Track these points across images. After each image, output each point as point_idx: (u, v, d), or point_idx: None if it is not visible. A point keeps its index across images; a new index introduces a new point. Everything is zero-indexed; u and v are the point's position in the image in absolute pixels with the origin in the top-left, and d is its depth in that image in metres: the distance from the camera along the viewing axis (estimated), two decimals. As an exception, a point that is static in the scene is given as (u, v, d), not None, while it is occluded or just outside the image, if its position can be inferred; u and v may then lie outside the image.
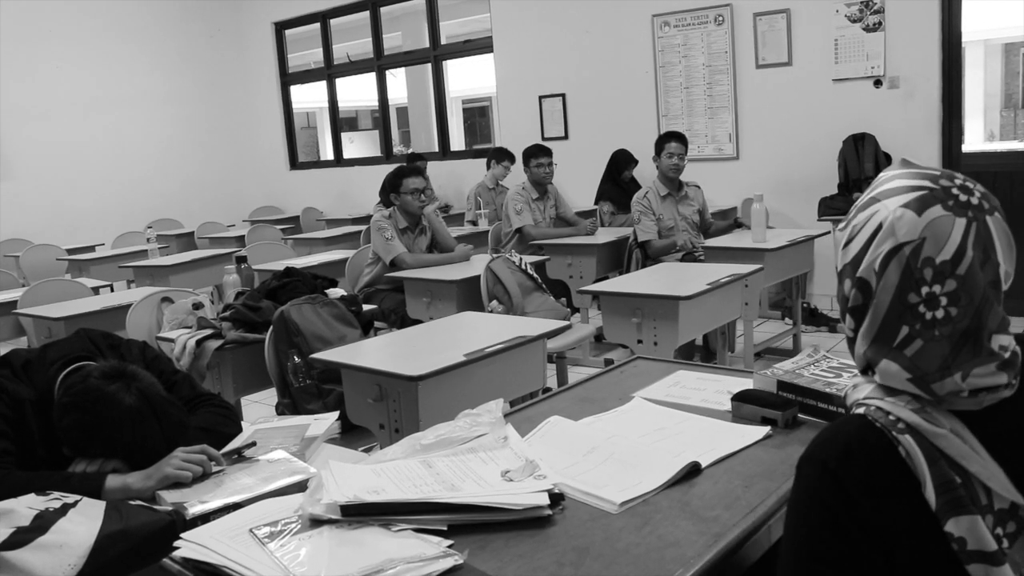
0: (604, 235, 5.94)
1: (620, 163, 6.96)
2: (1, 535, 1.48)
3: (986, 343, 1.05)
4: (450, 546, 1.34)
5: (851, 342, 1.16)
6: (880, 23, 5.99)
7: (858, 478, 1.04)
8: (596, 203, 7.02)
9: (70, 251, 7.76)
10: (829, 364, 1.91)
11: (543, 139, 7.83)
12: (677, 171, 5.44)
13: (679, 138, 5.47)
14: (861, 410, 1.11)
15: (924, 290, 1.04)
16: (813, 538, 1.06)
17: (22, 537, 1.48)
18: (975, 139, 12.36)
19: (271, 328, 3.22)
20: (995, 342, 1.06)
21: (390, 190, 5.22)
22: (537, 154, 6.09)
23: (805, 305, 6.08)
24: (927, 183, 1.08)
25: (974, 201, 1.06)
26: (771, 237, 5.14)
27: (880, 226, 1.07)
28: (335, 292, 3.64)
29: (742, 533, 1.36)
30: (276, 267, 4.64)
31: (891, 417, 1.07)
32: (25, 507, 1.56)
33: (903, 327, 1.06)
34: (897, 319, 1.07)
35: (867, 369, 1.14)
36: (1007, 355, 1.06)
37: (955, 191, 1.07)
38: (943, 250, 1.03)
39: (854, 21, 6.09)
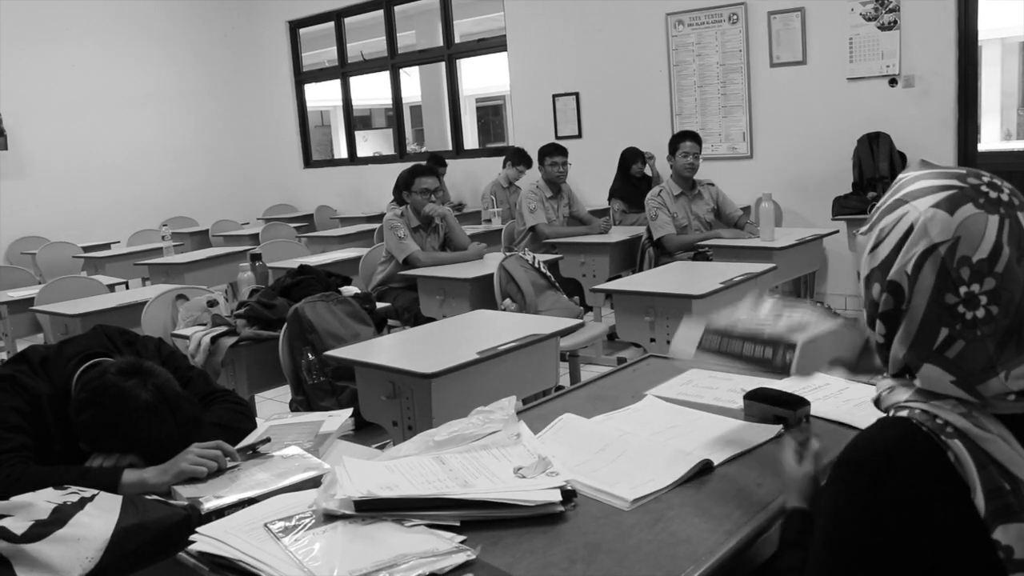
0: (617, 234, 5.93)
1: (628, 160, 6.95)
2: (20, 528, 1.50)
3: None
4: (463, 542, 1.35)
5: (882, 348, 1.13)
6: (895, 21, 5.97)
7: (904, 483, 1.02)
8: (608, 201, 7.02)
9: (86, 249, 7.82)
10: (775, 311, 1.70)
11: (556, 138, 7.82)
12: (692, 170, 5.43)
13: (693, 137, 5.45)
14: (904, 413, 1.08)
15: (963, 290, 1.02)
16: (855, 543, 1.04)
17: (41, 530, 1.50)
18: (991, 138, 12.28)
19: (285, 325, 3.24)
20: None
21: (403, 188, 5.23)
22: (552, 153, 6.10)
23: (818, 304, 6.05)
24: (955, 182, 1.06)
25: (1004, 198, 1.05)
26: (780, 236, 5.14)
27: (911, 227, 1.05)
28: (349, 290, 3.66)
29: (753, 531, 1.36)
30: (290, 265, 4.66)
31: (938, 421, 1.04)
32: (43, 501, 1.58)
33: (943, 329, 1.04)
34: (936, 321, 1.04)
35: (903, 373, 1.12)
36: None
37: (984, 188, 1.05)
38: (979, 248, 1.02)
39: (869, 19, 6.07)
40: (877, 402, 1.17)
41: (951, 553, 1.01)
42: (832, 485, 1.09)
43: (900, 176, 1.13)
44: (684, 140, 5.44)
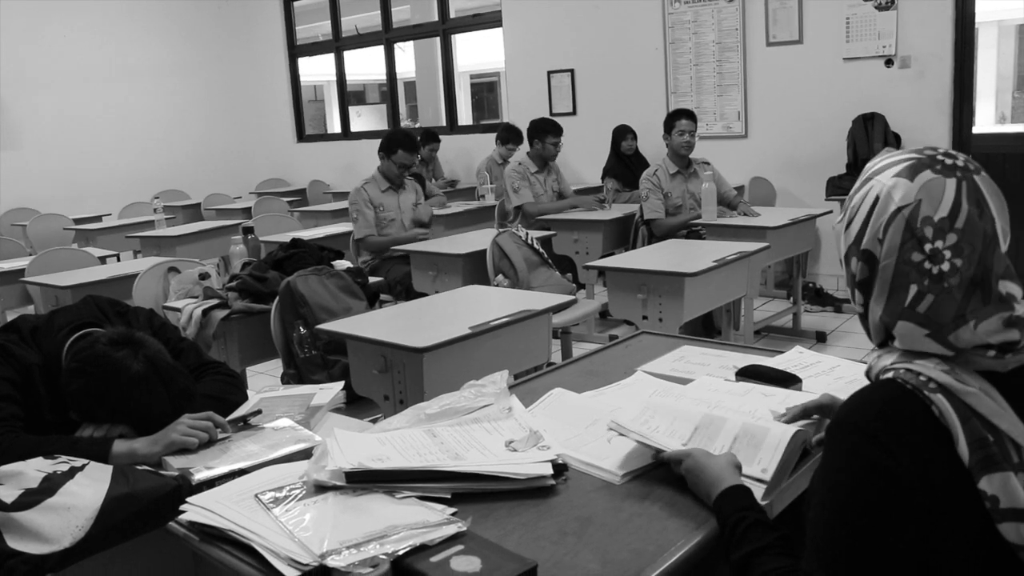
0: (611, 211, 5.92)
1: (617, 137, 6.94)
2: (10, 496, 1.50)
3: (995, 288, 1.10)
4: (453, 514, 1.35)
5: (863, 318, 1.20)
6: (893, 2, 5.94)
7: (895, 437, 1.06)
8: (602, 179, 7.01)
9: (77, 221, 7.78)
10: None
11: (551, 114, 7.80)
12: (689, 148, 5.40)
13: (689, 115, 5.43)
14: (890, 374, 1.13)
15: (927, 247, 1.09)
16: (857, 499, 1.07)
17: (30, 499, 1.50)
18: (986, 121, 12.27)
19: (277, 299, 3.23)
20: (1003, 287, 1.10)
21: (384, 149, 5.28)
22: (552, 131, 6.09)
23: (811, 285, 6.07)
24: (913, 155, 1.15)
25: (959, 163, 1.13)
26: (774, 215, 5.16)
27: (877, 199, 1.13)
28: (341, 264, 3.64)
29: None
30: (283, 239, 4.65)
31: (921, 378, 1.09)
32: (33, 470, 1.58)
33: (912, 285, 1.10)
34: (905, 279, 1.11)
35: (886, 340, 1.17)
36: (1018, 310, 1.10)
37: (940, 157, 1.13)
38: (939, 207, 1.09)
39: (866, -1, 6.05)
40: (868, 373, 1.21)
41: (943, 504, 1.04)
42: (828, 448, 1.13)
43: (866, 165, 1.21)
44: (680, 118, 5.41)
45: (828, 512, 1.10)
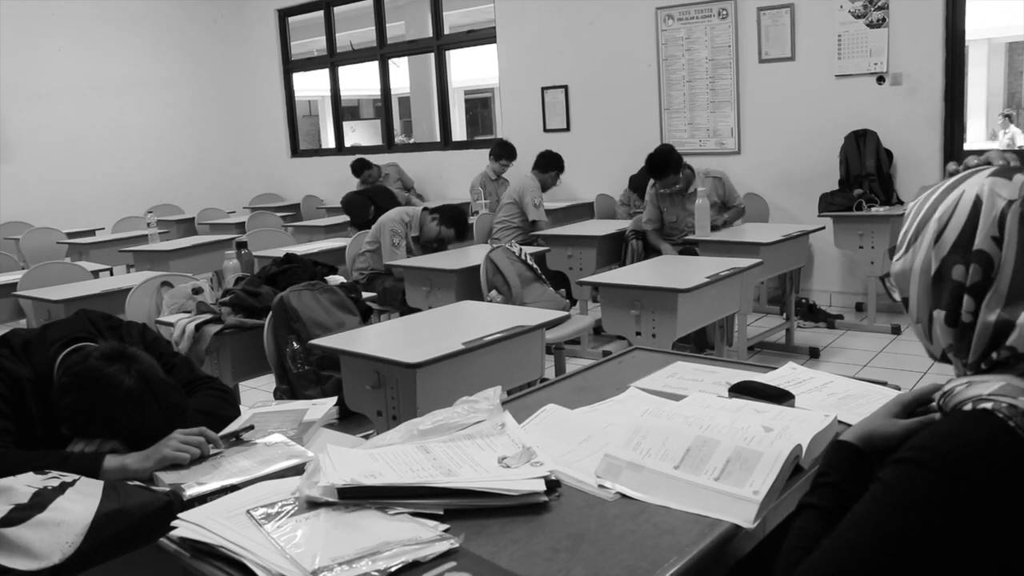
0: (605, 227, 5.94)
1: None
2: (-1, 512, 1.49)
3: None
4: (446, 530, 1.34)
5: (969, 327, 1.10)
6: (884, 19, 5.99)
7: (985, 485, 0.96)
8: (629, 187, 6.93)
9: (70, 235, 7.78)
10: None
11: (545, 131, 7.84)
12: (675, 190, 5.48)
13: (669, 170, 5.44)
14: (988, 405, 1.02)
15: None
16: (911, 529, 0.98)
17: (20, 514, 1.49)
18: (977, 138, 12.35)
19: (270, 314, 3.22)
20: None
21: (440, 213, 5.40)
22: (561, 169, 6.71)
23: (804, 301, 6.09)
24: (991, 164, 1.12)
25: None
26: (767, 231, 5.20)
27: (977, 199, 1.08)
28: (335, 279, 3.64)
29: (736, 524, 1.36)
30: (276, 254, 4.65)
31: None
32: (24, 485, 1.57)
33: None
34: None
35: (987, 353, 1.08)
36: None
37: (1014, 164, 1.11)
38: None
39: (858, 17, 6.08)
40: (944, 398, 1.11)
41: (1000, 557, 0.96)
42: (904, 465, 1.02)
43: (912, 203, 1.16)
44: (664, 175, 5.45)
45: (872, 527, 1.00)
